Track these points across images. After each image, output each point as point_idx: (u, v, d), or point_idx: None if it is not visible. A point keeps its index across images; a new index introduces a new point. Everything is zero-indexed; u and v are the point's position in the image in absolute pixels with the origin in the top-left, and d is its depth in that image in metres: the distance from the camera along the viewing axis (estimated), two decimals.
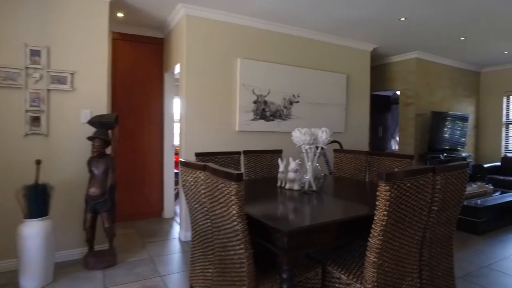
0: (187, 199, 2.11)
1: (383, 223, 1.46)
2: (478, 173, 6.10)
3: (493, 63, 6.59)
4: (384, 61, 6.18)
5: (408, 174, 1.51)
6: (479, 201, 4.32)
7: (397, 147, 7.02)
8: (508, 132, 6.86)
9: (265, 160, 3.25)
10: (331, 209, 2.03)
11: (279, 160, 2.60)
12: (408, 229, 1.60)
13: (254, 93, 4.05)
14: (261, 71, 4.10)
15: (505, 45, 5.22)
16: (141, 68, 4.55)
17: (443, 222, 1.87)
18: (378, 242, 1.49)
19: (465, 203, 4.14)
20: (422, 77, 5.84)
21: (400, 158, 2.75)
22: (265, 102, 4.13)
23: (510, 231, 4.14)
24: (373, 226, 1.50)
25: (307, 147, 2.29)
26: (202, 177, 1.89)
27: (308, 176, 2.32)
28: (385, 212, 1.45)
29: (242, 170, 3.22)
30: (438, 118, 5.85)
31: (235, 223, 1.53)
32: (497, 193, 4.92)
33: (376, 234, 1.49)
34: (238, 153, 3.13)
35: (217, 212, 1.72)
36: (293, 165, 2.39)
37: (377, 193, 1.47)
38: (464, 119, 6.39)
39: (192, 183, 2.04)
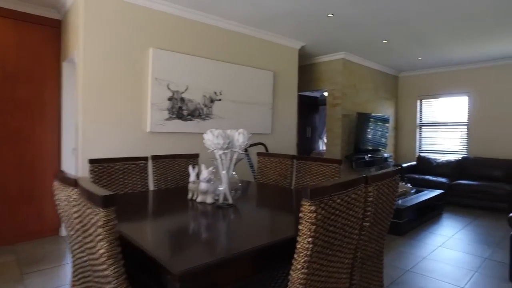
0: (63, 222, 1.59)
1: (308, 253, 1.14)
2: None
3: (409, 68, 7.01)
4: (313, 60, 6.14)
5: (338, 188, 1.21)
6: (400, 201, 4.41)
7: (324, 148, 7.06)
8: (421, 134, 7.36)
9: (179, 167, 2.80)
10: (249, 230, 1.67)
11: (190, 168, 2.18)
12: (338, 253, 1.31)
13: (169, 88, 3.55)
14: (178, 64, 3.62)
15: (420, 51, 5.51)
16: (30, 54, 3.73)
17: (374, 237, 1.64)
18: (301, 276, 1.16)
19: None
20: (348, 78, 5.91)
21: (328, 163, 2.53)
22: (182, 99, 3.66)
23: (426, 228, 4.30)
24: (295, 256, 1.17)
25: (220, 152, 1.90)
26: (74, 197, 1.39)
27: (223, 187, 1.94)
28: (310, 239, 1.13)
29: (150, 179, 2.73)
30: (363, 119, 5.98)
31: (104, 266, 1.07)
32: (413, 190, 5.14)
33: (299, 266, 1.16)
34: (145, 158, 2.63)
35: (88, 246, 1.25)
36: (205, 173, 1.99)
37: (300, 214, 1.14)
38: (385, 120, 6.67)
39: (65, 202, 1.54)
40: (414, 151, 7.35)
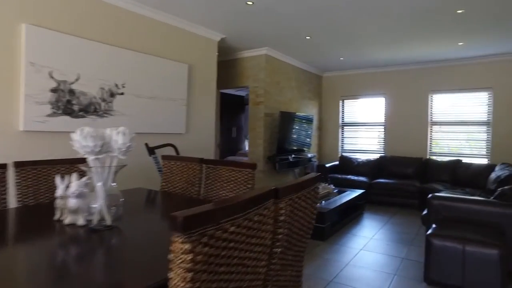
0: None
1: None
2: (322, 173, 6.42)
3: (332, 68, 7.13)
4: (235, 55, 5.82)
5: (232, 211, 0.85)
6: (323, 203, 4.32)
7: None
8: (343, 133, 7.56)
9: (54, 175, 2.20)
10: (131, 263, 1.22)
11: (57, 179, 1.65)
12: None
13: (52, 77, 2.89)
14: (65, 48, 2.97)
15: (341, 51, 5.56)
16: None
17: (289, 263, 1.33)
18: None
19: None
20: (272, 75, 5.72)
21: (240, 167, 2.19)
22: (72, 92, 3.02)
23: (349, 230, 4.26)
24: None
25: (93, 157, 1.42)
26: None
27: (99, 204, 1.46)
28: None
29: (12, 193, 2.09)
30: (286, 119, 5.85)
31: None
32: (335, 190, 5.15)
33: None
34: (3, 166, 2.00)
35: None
36: (74, 186, 1.49)
37: (169, 256, 0.75)
38: (309, 120, 6.66)
39: None
40: (337, 151, 7.51)
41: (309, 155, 6.54)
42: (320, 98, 7.67)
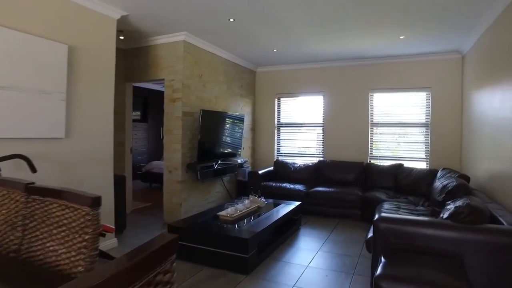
0: None
1: None
2: (254, 181, 5.68)
3: (266, 62, 6.44)
4: (148, 42, 4.84)
5: None
6: (250, 222, 3.56)
7: None
8: (279, 135, 6.93)
9: None
10: None
11: None
12: None
13: None
14: None
15: (274, 41, 4.87)
16: None
17: None
18: None
19: (232, 234, 3.24)
20: (193, 67, 4.83)
21: (76, 204, 1.29)
22: None
23: (280, 256, 3.55)
24: None
25: None
26: None
27: None
28: None
29: None
30: (210, 118, 5.00)
31: None
32: (266, 202, 4.44)
33: None
34: None
35: None
36: None
37: None
38: (239, 120, 5.89)
39: None
40: (273, 155, 6.85)
41: (240, 160, 5.77)
42: (253, 95, 6.95)
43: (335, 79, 6.21)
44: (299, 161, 6.37)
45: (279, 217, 3.82)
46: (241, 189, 6.09)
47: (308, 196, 5.26)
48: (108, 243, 3.59)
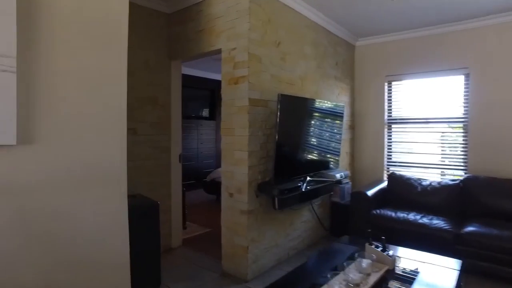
0: None
1: None
2: (361, 208, 3.74)
3: (372, 29, 4.42)
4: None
5: None
6: None
7: None
8: (390, 136, 4.85)
9: None
10: None
11: None
12: None
13: None
14: None
15: None
16: None
17: None
18: None
19: None
20: (265, 27, 3.10)
21: None
22: None
23: None
24: None
25: None
26: None
27: None
28: None
29: None
30: (295, 110, 3.22)
31: None
32: (394, 254, 2.52)
33: None
34: None
35: None
36: None
37: None
38: (336, 114, 4.00)
39: None
40: (381, 165, 4.81)
41: (340, 175, 3.86)
42: (352, 79, 4.98)
43: (493, 46, 3.93)
44: (428, 176, 4.25)
45: None
46: (337, 216, 4.21)
47: (460, 242, 3.15)
48: None
